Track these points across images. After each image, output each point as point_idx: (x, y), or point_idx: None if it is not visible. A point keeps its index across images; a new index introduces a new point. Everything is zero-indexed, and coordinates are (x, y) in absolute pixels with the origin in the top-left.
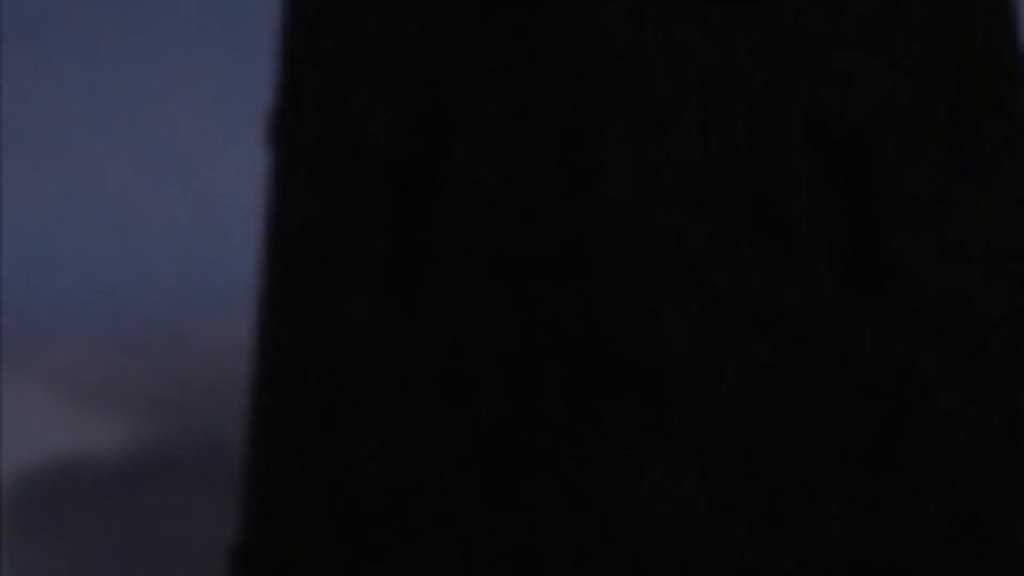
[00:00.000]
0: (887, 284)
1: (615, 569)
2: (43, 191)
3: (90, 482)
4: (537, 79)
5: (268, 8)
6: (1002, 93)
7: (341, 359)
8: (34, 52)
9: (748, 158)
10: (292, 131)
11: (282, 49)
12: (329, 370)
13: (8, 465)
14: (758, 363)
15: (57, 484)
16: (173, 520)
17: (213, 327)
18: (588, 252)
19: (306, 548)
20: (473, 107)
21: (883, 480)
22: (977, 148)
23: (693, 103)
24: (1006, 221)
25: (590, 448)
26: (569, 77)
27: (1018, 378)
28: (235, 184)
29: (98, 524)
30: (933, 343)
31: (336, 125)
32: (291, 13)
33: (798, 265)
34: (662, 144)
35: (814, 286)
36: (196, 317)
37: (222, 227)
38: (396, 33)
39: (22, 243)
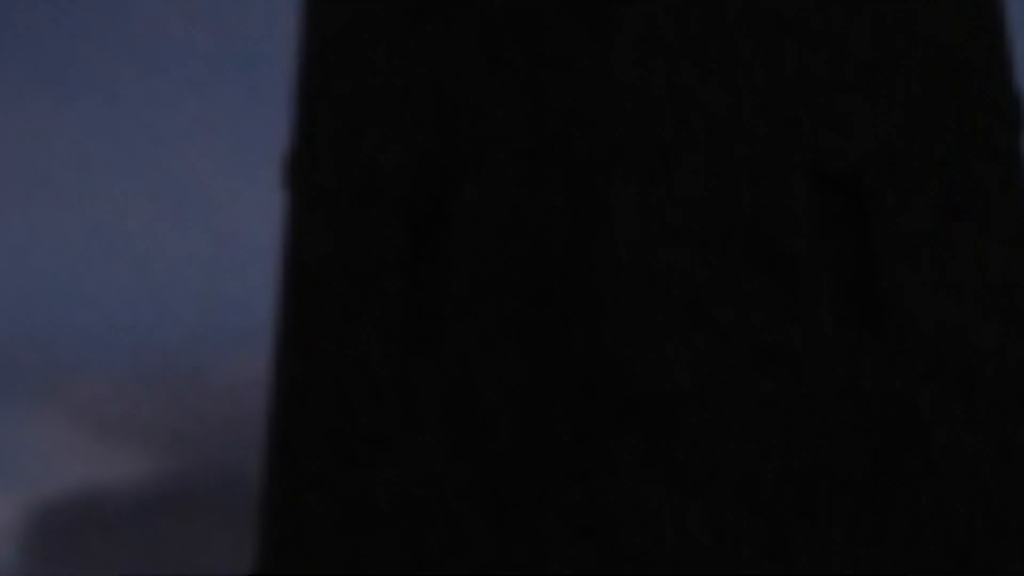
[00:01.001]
0: (885, 320)
1: None
2: (67, 230)
3: (111, 513)
4: (546, 122)
5: (284, 53)
6: (997, 134)
7: (355, 393)
8: (57, 95)
9: (750, 198)
10: (308, 172)
11: (298, 93)
12: (344, 404)
13: (32, 495)
14: (760, 397)
15: (79, 514)
16: (192, 550)
17: (231, 362)
18: (595, 289)
19: None
20: (484, 148)
21: (881, 511)
22: (973, 188)
23: (697, 145)
24: (1001, 259)
25: (597, 480)
26: (577, 120)
27: (1013, 412)
28: (253, 223)
29: (119, 554)
30: (930, 378)
31: (351, 166)
32: (307, 58)
33: (799, 302)
34: (667, 185)
35: (814, 322)
36: (215, 352)
37: (240, 265)
38: (409, 77)
39: (46, 280)
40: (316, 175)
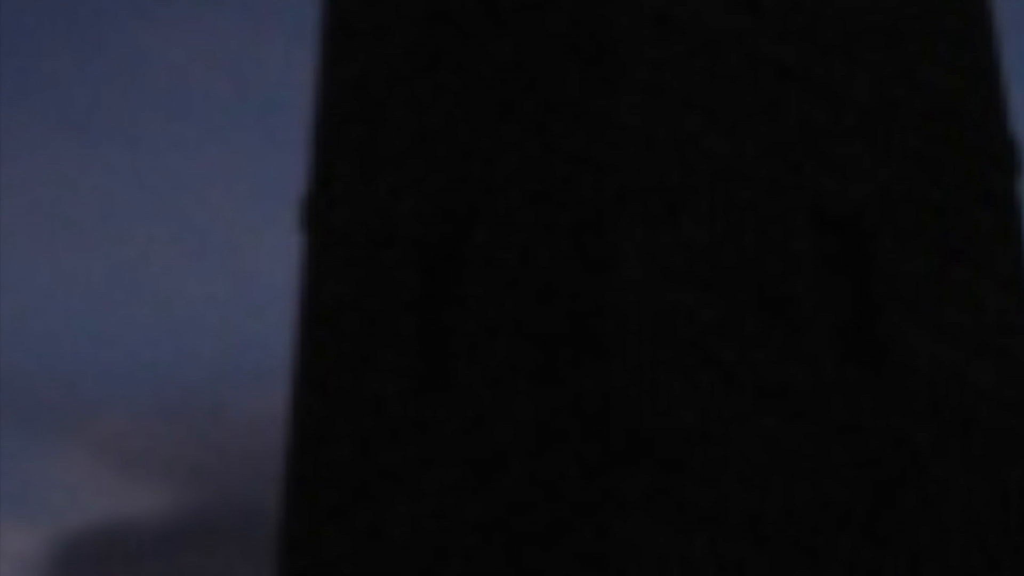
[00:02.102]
0: (884, 360)
1: None
2: (91, 270)
3: (134, 544)
4: (555, 168)
5: (302, 100)
6: (993, 180)
7: (371, 430)
8: (82, 140)
9: (753, 241)
10: (325, 215)
11: (315, 139)
12: (360, 440)
13: (57, 528)
14: (763, 434)
15: (102, 547)
16: None
17: (250, 399)
18: (604, 330)
19: None
20: (495, 193)
21: (880, 546)
22: (969, 232)
23: (702, 190)
24: (997, 301)
25: (606, 514)
26: (585, 166)
27: (1008, 450)
28: (271, 265)
29: None
30: (927, 417)
31: (366, 210)
32: (323, 105)
33: (800, 342)
34: (673, 228)
35: (815, 362)
36: (234, 389)
37: (259, 305)
38: (422, 124)
39: (71, 320)
40: (332, 218)
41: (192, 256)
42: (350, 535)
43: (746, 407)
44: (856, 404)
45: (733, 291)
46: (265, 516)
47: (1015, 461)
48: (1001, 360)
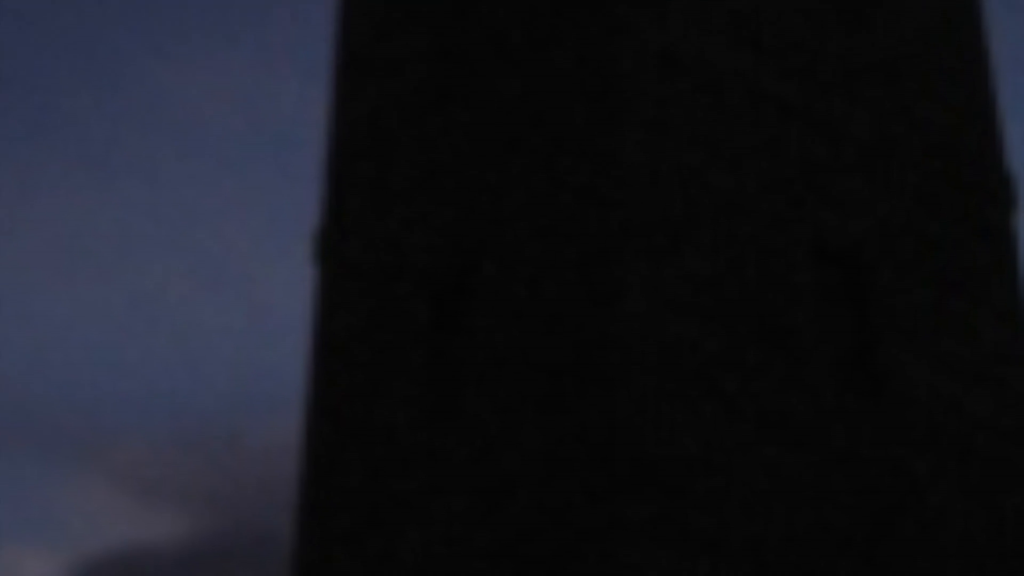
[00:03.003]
0: (883, 390)
1: None
2: (108, 303)
3: (151, 570)
4: (562, 202)
5: (315, 136)
6: (989, 215)
7: (382, 458)
8: (100, 175)
9: (755, 274)
10: (337, 248)
11: (328, 173)
12: (371, 468)
13: (76, 554)
14: (765, 462)
15: (120, 572)
16: None
17: (265, 428)
18: (609, 361)
19: None
20: (503, 227)
21: (879, 572)
22: (966, 265)
23: (704, 224)
24: (993, 332)
25: (611, 541)
26: (591, 200)
27: (1005, 478)
28: (285, 297)
29: None
30: (926, 445)
31: (377, 243)
32: (336, 140)
33: (801, 372)
34: (676, 261)
35: (816, 392)
36: (249, 419)
37: (273, 336)
38: (432, 159)
39: (89, 350)
40: (345, 251)
41: (208, 288)
42: (361, 561)
43: (748, 436)
44: (856, 433)
45: (735, 323)
46: (279, 542)
47: (1012, 489)
48: (998, 390)
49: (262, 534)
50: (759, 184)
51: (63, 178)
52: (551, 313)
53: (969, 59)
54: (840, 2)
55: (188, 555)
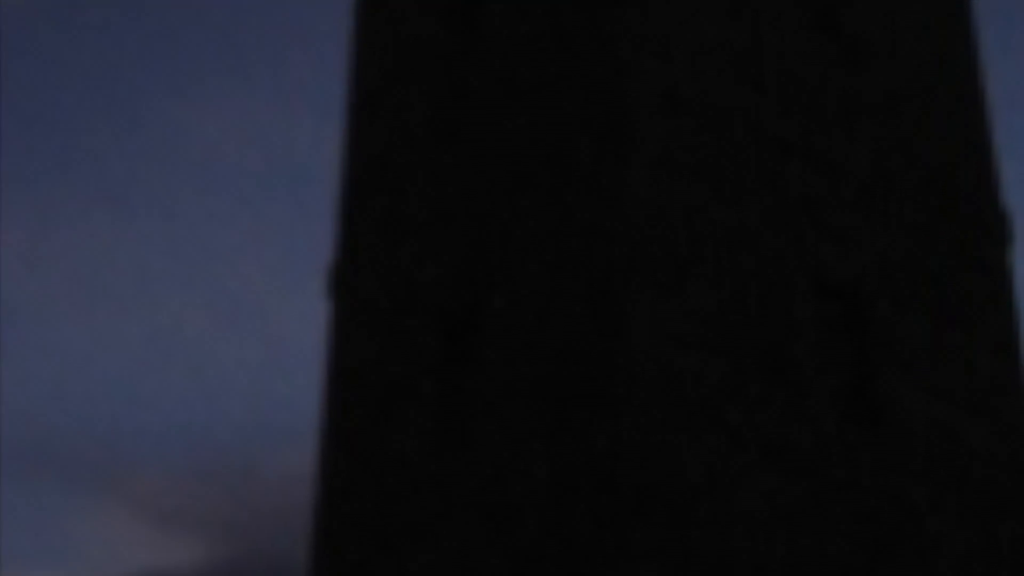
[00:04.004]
0: (882, 420)
1: None
2: (128, 337)
3: None
4: (569, 237)
5: (328, 173)
6: (985, 250)
7: (394, 487)
8: (120, 212)
9: (757, 307)
10: (350, 283)
11: (341, 209)
12: (383, 496)
13: None
14: (766, 490)
15: None
16: None
17: (280, 458)
18: (614, 391)
19: None
20: (512, 262)
21: None
22: (963, 299)
23: (708, 259)
24: (989, 365)
25: (617, 566)
26: (597, 236)
27: (1001, 506)
28: (299, 330)
29: None
30: (923, 474)
31: (389, 277)
32: (349, 177)
33: (802, 403)
34: (680, 295)
35: (816, 422)
36: (264, 449)
37: (288, 368)
38: (443, 195)
39: (109, 383)
40: (358, 285)
41: (224, 322)
42: None
43: (751, 464)
44: (855, 462)
45: (738, 354)
46: (294, 568)
47: (1007, 516)
48: (993, 420)
49: (277, 561)
50: (761, 219)
51: (84, 214)
52: (558, 344)
53: (965, 98)
54: (839, 42)
55: None
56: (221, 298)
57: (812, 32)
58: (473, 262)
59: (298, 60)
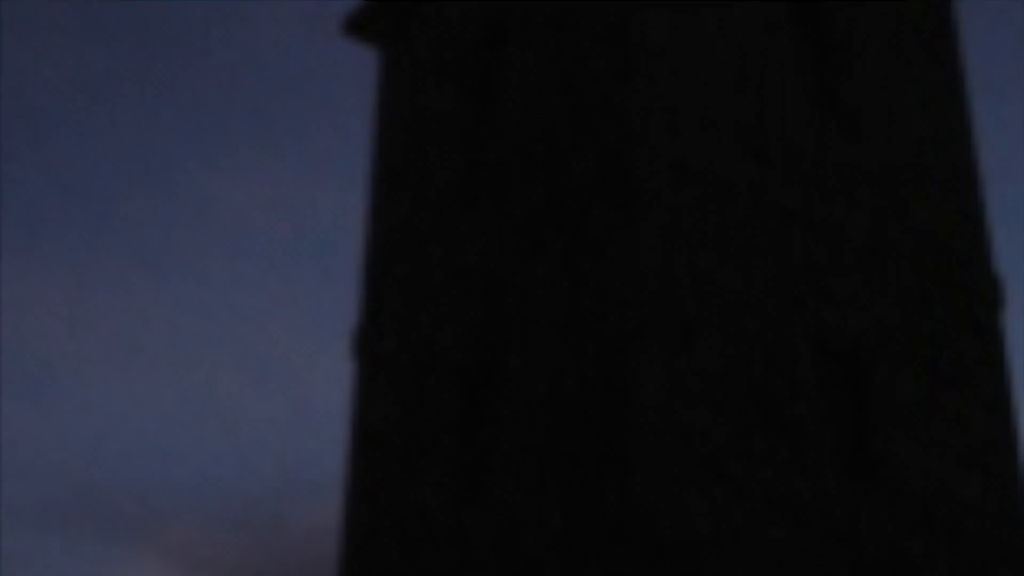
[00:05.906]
0: (880, 475)
1: None
2: (162, 395)
3: None
4: (582, 300)
5: (353, 240)
6: (978, 313)
7: (416, 539)
8: (154, 277)
9: (761, 368)
10: (373, 344)
11: (365, 274)
12: (405, 548)
13: None
14: (770, 541)
15: None
16: None
17: (307, 511)
18: (625, 447)
19: None
20: (528, 324)
21: None
22: (957, 360)
23: (714, 321)
24: (982, 422)
25: None
26: (609, 299)
27: (992, 557)
28: (325, 389)
29: None
30: (919, 526)
31: (411, 339)
32: (372, 244)
33: (804, 458)
34: (688, 355)
35: (817, 476)
36: (292, 502)
37: (314, 426)
38: (461, 260)
39: (144, 438)
40: (380, 347)
41: (254, 381)
42: None
43: (755, 517)
44: (855, 514)
45: (743, 412)
46: None
47: (999, 568)
48: (986, 475)
49: None
50: (765, 284)
51: (120, 279)
52: (572, 403)
53: (959, 168)
54: (839, 115)
55: None
56: (251, 358)
57: (813, 106)
58: (491, 324)
59: (324, 133)
